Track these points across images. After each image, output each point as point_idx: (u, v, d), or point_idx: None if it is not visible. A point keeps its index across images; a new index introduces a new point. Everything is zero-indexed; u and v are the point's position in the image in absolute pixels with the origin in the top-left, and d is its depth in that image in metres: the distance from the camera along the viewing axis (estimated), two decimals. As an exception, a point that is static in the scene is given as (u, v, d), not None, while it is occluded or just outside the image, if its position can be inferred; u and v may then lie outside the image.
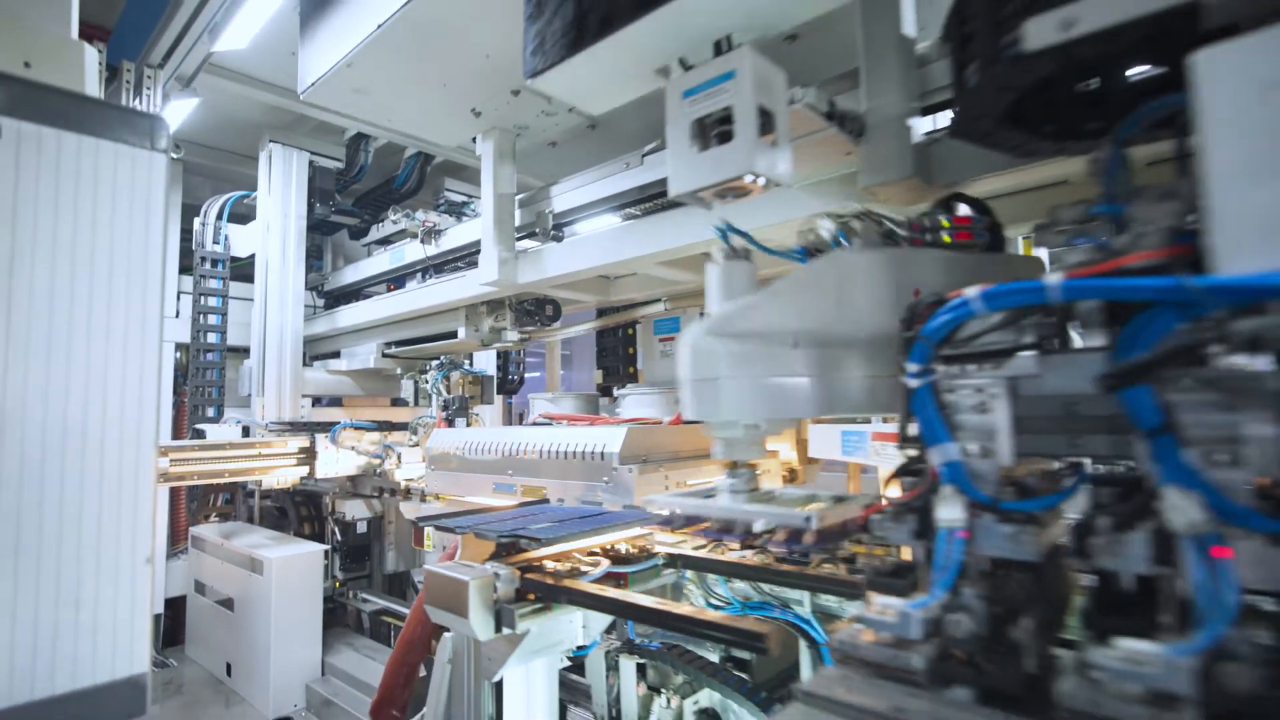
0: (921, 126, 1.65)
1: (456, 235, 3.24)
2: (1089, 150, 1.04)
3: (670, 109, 1.42)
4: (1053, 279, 0.87)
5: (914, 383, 1.04)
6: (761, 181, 1.36)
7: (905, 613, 0.94)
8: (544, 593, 1.53)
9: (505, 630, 1.54)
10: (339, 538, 3.79)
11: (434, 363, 3.84)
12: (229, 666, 3.59)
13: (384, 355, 3.88)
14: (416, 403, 4.27)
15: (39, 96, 1.17)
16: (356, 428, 3.40)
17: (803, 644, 1.80)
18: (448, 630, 2.00)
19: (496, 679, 1.73)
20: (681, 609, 1.39)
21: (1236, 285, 0.71)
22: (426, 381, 3.84)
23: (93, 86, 1.57)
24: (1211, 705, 0.69)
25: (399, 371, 4.13)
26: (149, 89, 2.53)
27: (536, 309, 3.15)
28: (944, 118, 1.69)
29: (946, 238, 1.36)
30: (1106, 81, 1.20)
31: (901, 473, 1.11)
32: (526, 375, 5.45)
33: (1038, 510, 0.94)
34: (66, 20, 1.62)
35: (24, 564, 1.13)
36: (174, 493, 4.34)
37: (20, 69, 1.44)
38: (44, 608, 1.14)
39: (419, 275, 3.64)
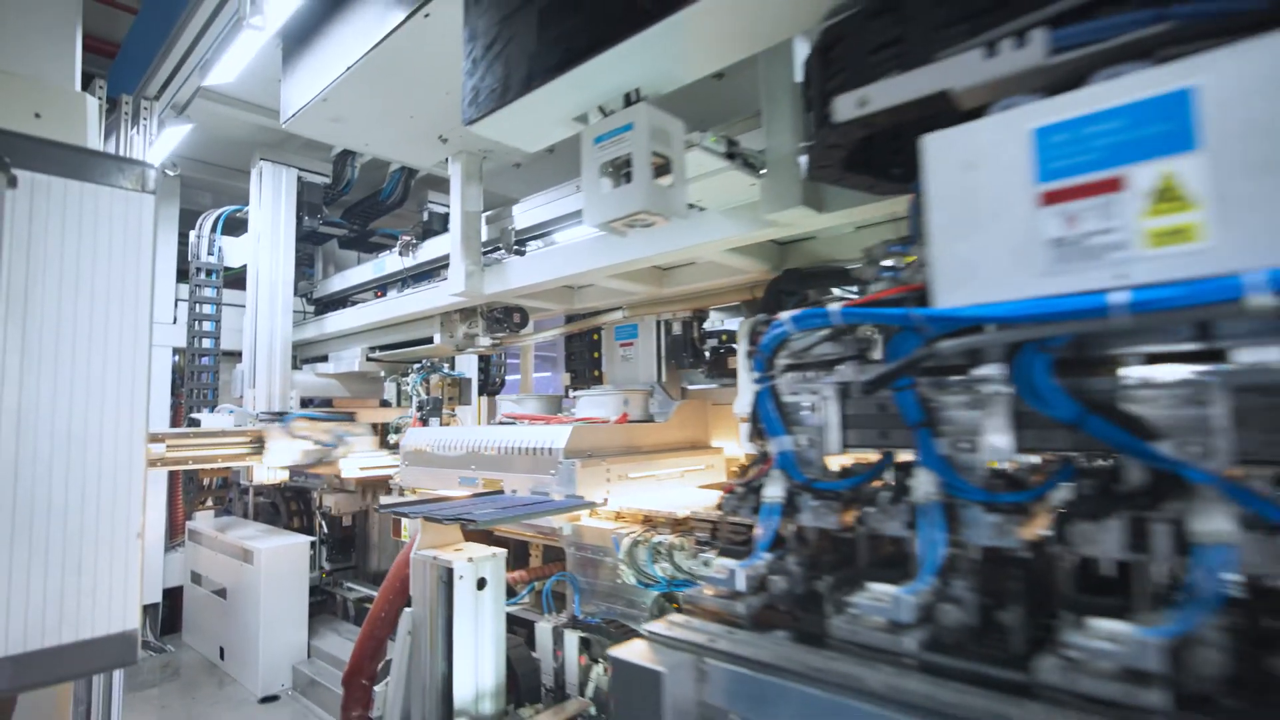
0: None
1: (431, 248, 3.49)
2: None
3: (584, 152, 1.66)
4: (833, 307, 1.11)
5: (756, 387, 1.28)
6: (658, 216, 1.60)
7: (733, 570, 1.18)
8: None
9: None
10: (326, 531, 4.03)
11: (415, 366, 4.09)
12: (222, 650, 3.84)
13: (368, 359, 4.14)
14: (399, 404, 4.52)
15: (49, 151, 1.42)
16: (310, 418, 3.60)
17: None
18: (409, 607, 2.25)
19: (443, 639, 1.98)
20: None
21: (941, 315, 0.95)
22: (408, 384, 4.09)
23: (93, 131, 1.83)
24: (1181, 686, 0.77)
25: (383, 374, 4.38)
26: (145, 119, 2.78)
27: (505, 316, 3.39)
28: None
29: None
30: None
31: (756, 462, 1.36)
32: (509, 377, 5.70)
33: (843, 489, 1.18)
34: (71, 74, 1.87)
35: (36, 537, 1.37)
36: (172, 489, 4.59)
37: (33, 119, 1.69)
38: (52, 573, 1.39)
39: (399, 285, 3.89)
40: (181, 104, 2.95)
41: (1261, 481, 0.79)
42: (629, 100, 1.69)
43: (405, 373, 4.30)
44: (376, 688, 2.31)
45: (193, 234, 4.24)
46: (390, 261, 3.76)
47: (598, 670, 2.26)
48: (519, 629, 2.50)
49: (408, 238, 3.54)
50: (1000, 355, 0.95)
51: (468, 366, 5.02)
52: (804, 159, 1.52)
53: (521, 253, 2.99)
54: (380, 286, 4.20)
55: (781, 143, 1.86)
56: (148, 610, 4.26)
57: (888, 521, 1.08)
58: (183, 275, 4.60)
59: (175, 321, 4.54)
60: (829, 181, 1.47)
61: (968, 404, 1.02)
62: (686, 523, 2.15)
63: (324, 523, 4.02)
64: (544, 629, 2.35)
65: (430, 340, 3.60)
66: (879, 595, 1.00)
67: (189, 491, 4.38)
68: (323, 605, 4.12)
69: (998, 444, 0.98)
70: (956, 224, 0.96)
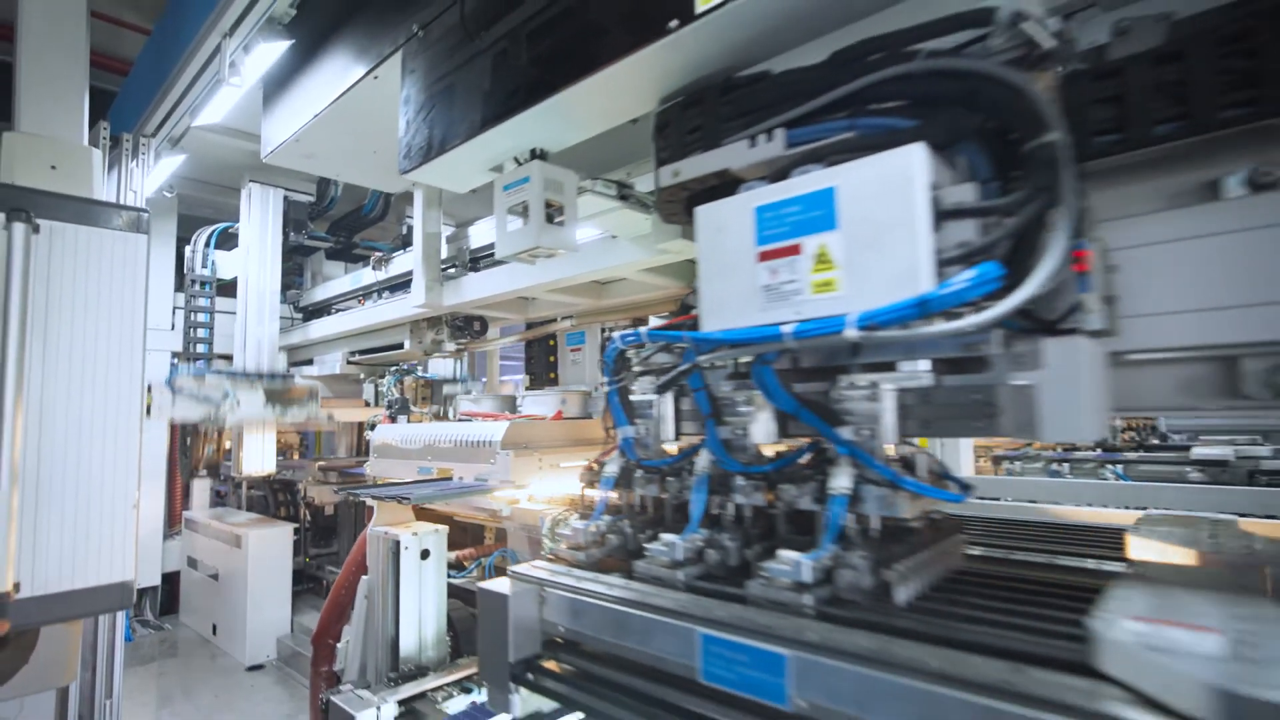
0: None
1: (400, 263, 3.87)
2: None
3: (495, 196, 2.04)
4: (643, 329, 1.49)
5: (605, 388, 1.66)
6: (550, 251, 1.98)
7: (577, 528, 1.56)
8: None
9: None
10: (309, 519, 4.42)
11: (391, 369, 4.48)
12: (214, 627, 4.23)
13: (349, 362, 4.53)
14: (377, 404, 4.90)
15: (63, 203, 1.81)
16: (196, 375, 3.89)
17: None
18: (366, 574, 2.63)
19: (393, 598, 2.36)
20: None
21: (695, 336, 1.32)
22: (383, 385, 4.47)
23: (98, 176, 2.22)
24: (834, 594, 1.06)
25: (362, 376, 4.77)
26: (144, 153, 3.17)
27: (466, 325, 3.78)
28: None
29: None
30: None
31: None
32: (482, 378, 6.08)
33: (664, 466, 1.55)
34: (80, 130, 2.26)
35: (53, 505, 1.76)
36: (171, 484, 4.99)
37: (49, 170, 2.08)
38: (65, 533, 1.78)
39: (376, 294, 4.29)
40: (176, 138, 3.34)
41: (913, 451, 1.17)
42: (534, 154, 2.07)
43: (382, 375, 4.69)
44: (339, 645, 2.70)
45: (188, 249, 4.63)
46: (366, 274, 4.15)
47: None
48: (470, 598, 2.89)
49: (380, 254, 3.92)
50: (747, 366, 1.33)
51: (445, 368, 5.40)
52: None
53: (476, 269, 3.37)
54: (362, 295, 4.59)
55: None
56: (147, 592, 4.66)
57: (685, 489, 1.46)
58: (180, 284, 5.01)
59: (173, 328, 4.93)
60: (674, 222, 1.83)
61: (745, 401, 1.41)
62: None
63: (308, 512, 4.41)
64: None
65: (401, 346, 3.99)
66: (668, 542, 1.38)
67: (184, 461, 4.75)
68: (306, 587, 4.52)
69: (762, 432, 1.36)
70: (712, 272, 1.33)
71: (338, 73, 2.53)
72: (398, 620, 2.42)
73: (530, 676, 1.40)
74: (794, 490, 1.20)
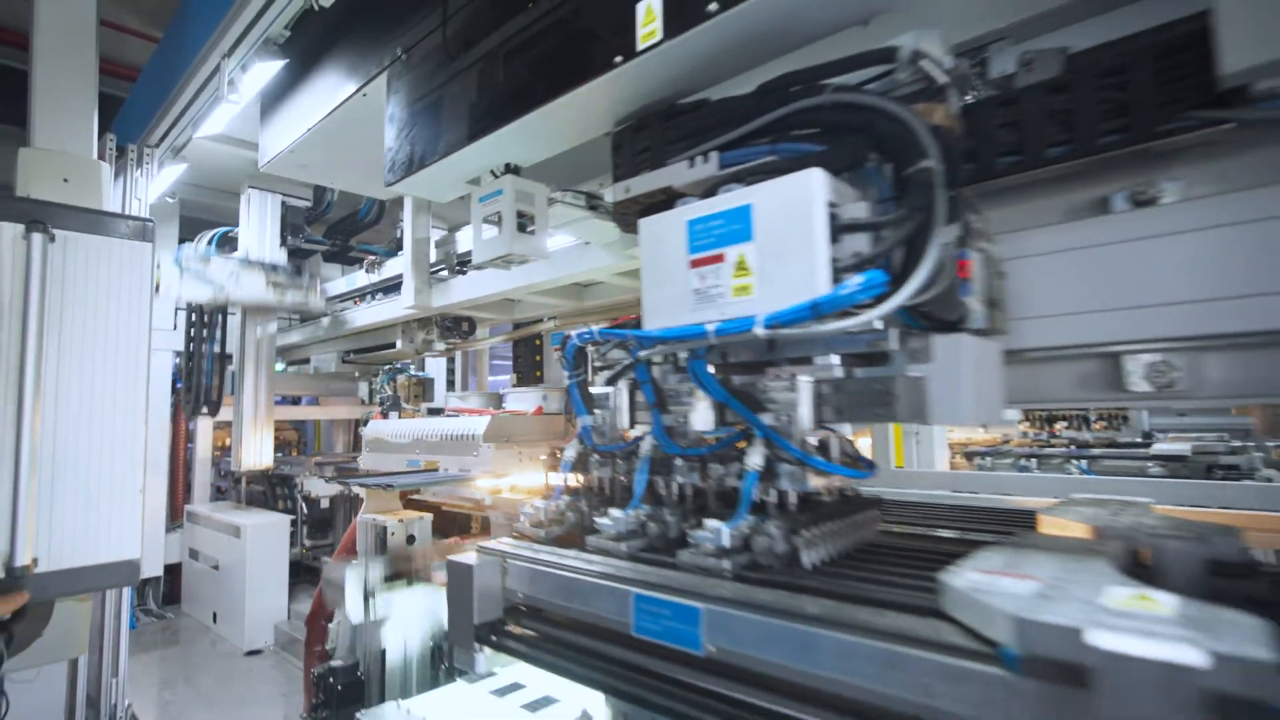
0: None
1: (391, 267, 4.05)
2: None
3: (472, 207, 2.21)
4: (596, 328, 1.66)
5: (566, 380, 1.82)
6: (522, 257, 2.15)
7: (538, 507, 1.72)
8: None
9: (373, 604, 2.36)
10: (306, 511, 4.60)
11: (384, 368, 4.66)
12: (215, 615, 4.41)
13: (344, 361, 4.70)
14: (371, 401, 5.08)
15: (75, 215, 1.98)
16: (205, 258, 4.06)
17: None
18: (354, 556, 2.80)
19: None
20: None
21: (635, 335, 1.47)
22: (377, 383, 4.66)
23: (107, 187, 2.39)
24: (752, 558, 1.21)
25: (357, 375, 4.95)
26: (148, 162, 3.35)
27: (455, 325, 3.96)
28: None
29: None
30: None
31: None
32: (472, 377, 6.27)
33: (617, 451, 1.72)
34: (90, 145, 2.43)
35: (67, 489, 1.94)
36: (174, 479, 5.17)
37: (62, 183, 2.26)
38: (78, 515, 1.95)
39: (369, 296, 4.46)
40: (178, 148, 3.51)
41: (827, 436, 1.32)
42: (508, 169, 2.24)
43: (376, 373, 4.87)
44: (330, 625, 2.88)
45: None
46: (360, 277, 4.33)
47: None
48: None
49: (373, 257, 4.10)
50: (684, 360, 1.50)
51: (437, 369, 5.58)
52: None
53: (463, 272, 3.55)
54: (356, 297, 4.77)
55: (633, 196, 2.40)
56: (150, 582, 4.84)
57: (631, 470, 1.62)
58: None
59: (175, 327, 5.11)
60: (630, 231, 1.96)
61: (688, 393, 1.57)
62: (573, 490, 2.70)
63: (304, 505, 4.58)
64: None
65: (393, 345, 4.16)
66: (614, 516, 1.53)
67: (188, 403, 4.90)
68: (303, 576, 4.69)
69: (701, 419, 1.53)
70: (652, 277, 1.48)
71: (330, 90, 2.70)
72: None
73: (493, 638, 1.57)
74: (722, 469, 1.35)
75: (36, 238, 1.85)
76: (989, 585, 0.98)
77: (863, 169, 1.26)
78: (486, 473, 2.82)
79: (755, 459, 1.23)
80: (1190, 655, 0.71)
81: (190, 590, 4.81)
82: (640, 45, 1.48)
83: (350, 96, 2.56)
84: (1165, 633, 0.76)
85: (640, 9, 1.49)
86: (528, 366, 4.27)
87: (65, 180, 2.24)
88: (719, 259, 1.25)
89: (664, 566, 1.41)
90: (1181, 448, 4.10)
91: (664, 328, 1.33)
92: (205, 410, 4.38)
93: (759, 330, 1.12)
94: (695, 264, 1.29)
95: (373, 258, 4.09)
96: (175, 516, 5.14)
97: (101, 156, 2.69)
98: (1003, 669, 0.86)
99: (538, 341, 4.23)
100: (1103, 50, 1.33)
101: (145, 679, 3.66)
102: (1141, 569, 1.34)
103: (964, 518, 1.86)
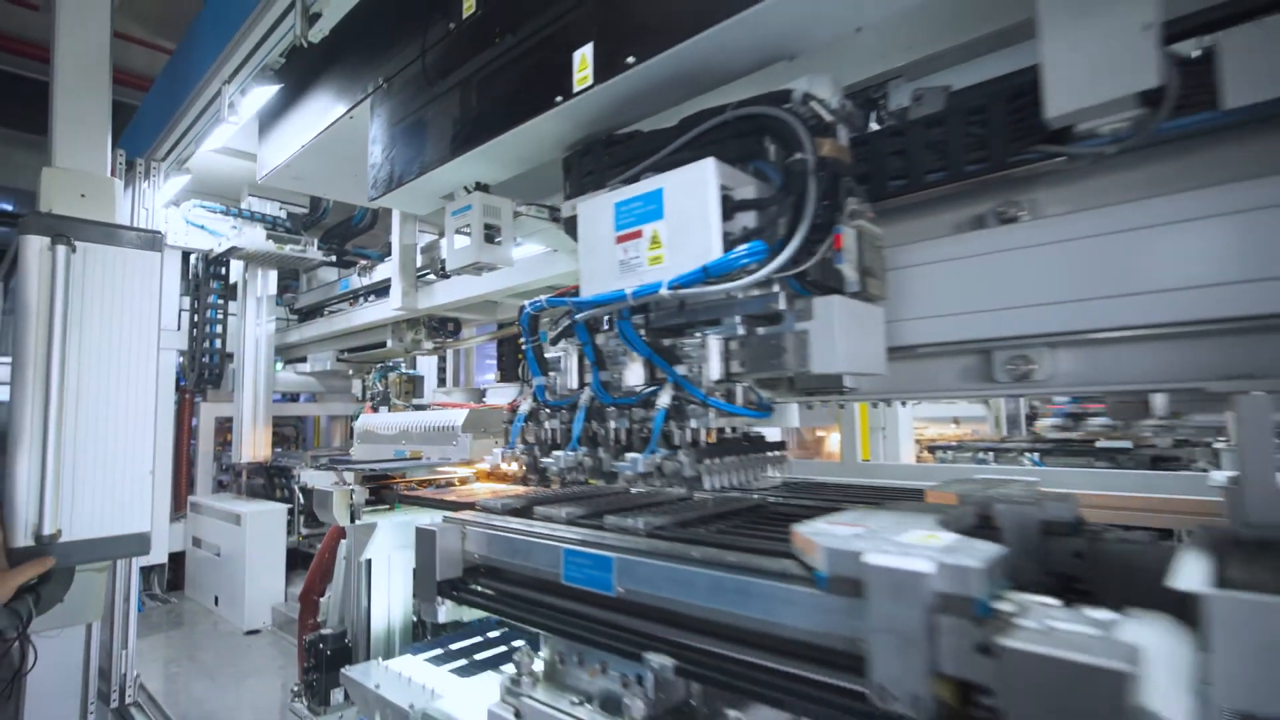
0: None
1: (381, 270, 4.32)
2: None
3: (446, 219, 2.48)
4: (544, 297, 1.72)
5: (523, 345, 1.88)
6: (490, 265, 2.41)
7: (496, 451, 1.94)
8: (375, 493, 2.61)
9: (357, 521, 2.62)
10: (302, 501, 4.86)
11: (377, 366, 4.92)
12: (216, 599, 4.68)
13: (339, 360, 4.97)
14: (364, 398, 5.35)
15: (93, 228, 2.25)
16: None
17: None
18: (344, 537, 3.07)
19: (364, 559, 2.80)
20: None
21: (577, 300, 1.50)
22: (370, 380, 4.92)
23: (119, 201, 2.66)
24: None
25: (351, 373, 5.22)
26: (155, 175, 3.62)
27: (441, 326, 4.22)
28: None
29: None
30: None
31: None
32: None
33: (563, 405, 1.70)
34: (103, 164, 2.69)
35: (87, 470, 2.21)
36: (177, 471, 5.43)
37: (79, 199, 2.52)
38: (96, 493, 2.21)
39: (362, 298, 4.73)
40: (182, 160, 3.78)
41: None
42: (477, 186, 2.50)
43: (369, 371, 5.14)
44: (322, 599, 3.14)
45: (194, 257, 5.08)
46: (353, 280, 4.60)
47: (483, 587, 3.08)
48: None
49: (364, 261, 4.37)
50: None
51: (428, 367, 5.85)
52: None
53: (447, 276, 3.81)
54: (350, 299, 5.04)
55: (593, 209, 2.67)
56: (155, 570, 5.10)
57: (575, 420, 1.64)
58: (186, 288, 5.45)
59: (179, 328, 5.38)
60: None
61: (623, 353, 1.52)
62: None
63: (300, 495, 4.84)
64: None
65: (384, 344, 4.43)
66: (556, 456, 1.66)
67: (191, 378, 5.17)
68: (300, 562, 4.94)
69: (632, 375, 1.48)
70: (587, 251, 1.49)
71: (321, 111, 2.97)
72: (369, 578, 2.85)
73: (453, 592, 1.83)
74: (643, 413, 1.49)
75: (60, 249, 2.11)
76: (823, 531, 1.25)
77: (760, 164, 1.42)
78: (464, 461, 3.09)
79: (664, 399, 1.40)
80: (923, 565, 0.98)
81: (193, 576, 5.08)
82: (576, 88, 1.75)
83: (339, 118, 2.82)
84: (921, 555, 1.02)
85: (576, 56, 1.75)
86: (510, 364, 4.53)
87: (83, 196, 2.51)
88: (638, 235, 1.39)
89: (593, 529, 1.68)
90: (1124, 443, 4.35)
91: (595, 294, 1.47)
92: (210, 381, 4.68)
93: (664, 291, 1.29)
94: (620, 239, 1.43)
95: (364, 262, 4.36)
96: (179, 507, 5.41)
97: (113, 170, 2.95)
98: (816, 589, 1.13)
99: (520, 341, 4.49)
100: (970, 90, 1.59)
101: (152, 656, 3.92)
102: (991, 529, 1.60)
103: (863, 494, 2.12)
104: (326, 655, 2.74)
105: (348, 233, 5.63)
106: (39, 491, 2.07)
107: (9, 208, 11.66)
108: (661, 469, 1.40)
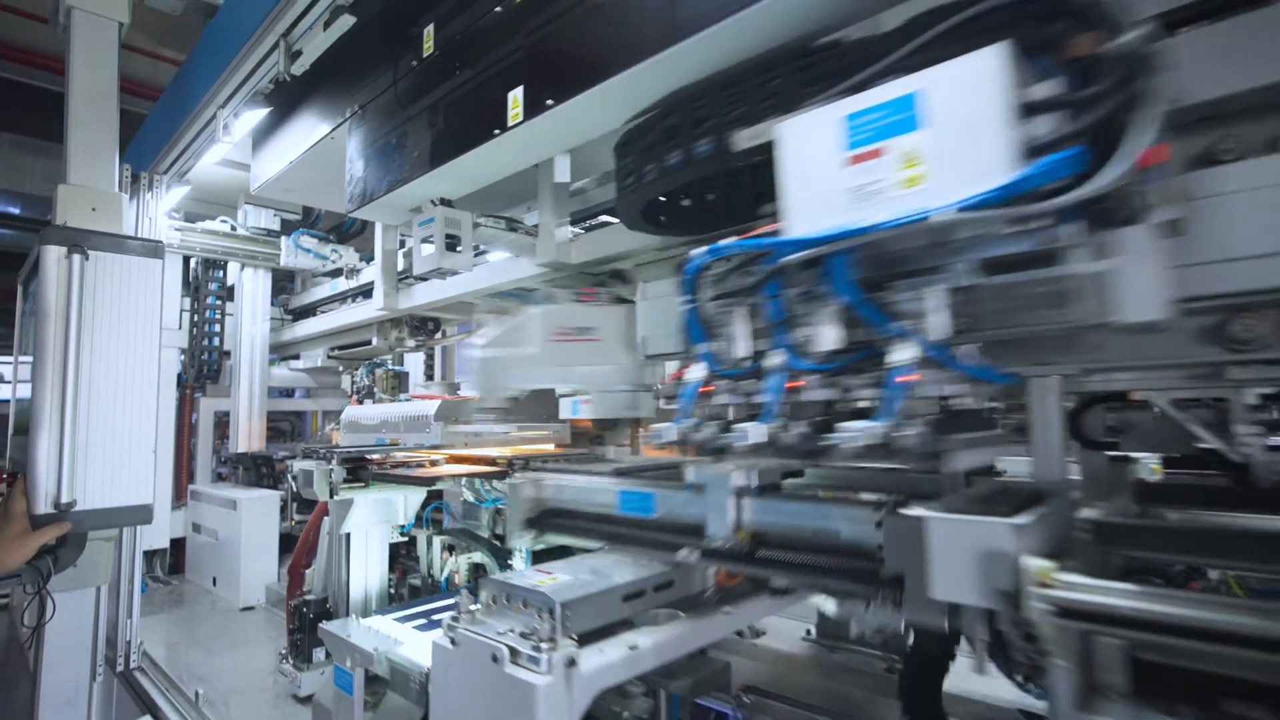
0: (565, 233, 3.01)
1: (367, 273, 4.65)
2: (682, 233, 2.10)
3: (413, 230, 2.81)
4: (725, 242, 1.36)
5: (686, 306, 1.48)
6: (452, 270, 2.74)
7: (664, 428, 1.65)
8: (351, 471, 2.95)
9: (336, 496, 2.95)
10: (295, 489, 5.19)
11: (365, 363, 5.26)
12: (214, 579, 5.02)
13: (329, 357, 5.31)
14: (353, 393, 5.69)
15: (104, 239, 2.58)
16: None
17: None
18: (328, 515, 3.40)
19: (344, 532, 3.13)
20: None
21: (789, 241, 1.21)
22: (357, 376, 5.26)
23: (126, 214, 3.00)
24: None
25: (340, 369, 5.55)
26: (157, 186, 3.96)
27: (422, 325, 4.56)
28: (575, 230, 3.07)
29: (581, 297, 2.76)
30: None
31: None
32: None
33: (740, 374, 1.44)
34: (111, 180, 3.03)
35: (99, 448, 2.54)
36: (178, 462, 5.76)
37: (91, 212, 2.86)
38: (106, 467, 2.55)
39: (350, 299, 5.07)
40: (183, 174, 4.12)
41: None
42: (440, 201, 2.83)
43: (358, 368, 5.48)
44: (307, 571, 3.47)
45: (193, 261, 5.43)
46: (340, 282, 4.94)
47: (452, 561, 3.41)
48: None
49: (352, 264, 4.71)
50: (821, 269, 1.19)
51: (415, 363, 6.18)
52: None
53: (425, 279, 4.14)
54: (339, 300, 5.38)
55: (547, 219, 2.99)
56: (157, 554, 5.44)
57: (757, 393, 1.42)
58: (186, 289, 5.79)
59: (180, 327, 5.72)
60: (628, 226, 2.17)
61: (809, 311, 1.28)
62: (500, 461, 3.30)
63: (293, 482, 5.17)
64: (419, 536, 3.51)
65: (369, 343, 4.77)
66: (746, 430, 1.40)
67: (191, 375, 5.52)
68: (292, 546, 5.29)
69: (828, 336, 1.24)
70: (797, 181, 1.21)
71: (306, 131, 3.30)
72: (349, 551, 3.19)
73: (531, 527, 2.17)
74: (856, 380, 1.26)
75: (75, 258, 2.45)
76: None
77: (1036, 58, 1.10)
78: (435, 445, 3.42)
79: (904, 354, 1.13)
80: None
81: (193, 560, 5.42)
82: (510, 122, 2.08)
83: (322, 138, 3.16)
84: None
85: (510, 96, 2.08)
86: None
87: (94, 210, 2.85)
88: (878, 153, 1.12)
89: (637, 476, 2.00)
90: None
91: (815, 231, 1.18)
92: (209, 377, 5.06)
93: (942, 217, 1.02)
94: (853, 160, 1.14)
95: (351, 265, 4.70)
96: (180, 496, 5.75)
97: (119, 182, 3.29)
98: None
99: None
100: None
101: (154, 631, 4.26)
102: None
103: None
104: (309, 618, 3.08)
105: (340, 237, 5.97)
106: (57, 466, 2.40)
107: (17, 211, 12.05)
108: (890, 442, 1.16)
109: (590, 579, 1.97)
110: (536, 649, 1.69)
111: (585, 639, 1.83)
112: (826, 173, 1.17)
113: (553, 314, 2.40)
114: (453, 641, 1.90)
